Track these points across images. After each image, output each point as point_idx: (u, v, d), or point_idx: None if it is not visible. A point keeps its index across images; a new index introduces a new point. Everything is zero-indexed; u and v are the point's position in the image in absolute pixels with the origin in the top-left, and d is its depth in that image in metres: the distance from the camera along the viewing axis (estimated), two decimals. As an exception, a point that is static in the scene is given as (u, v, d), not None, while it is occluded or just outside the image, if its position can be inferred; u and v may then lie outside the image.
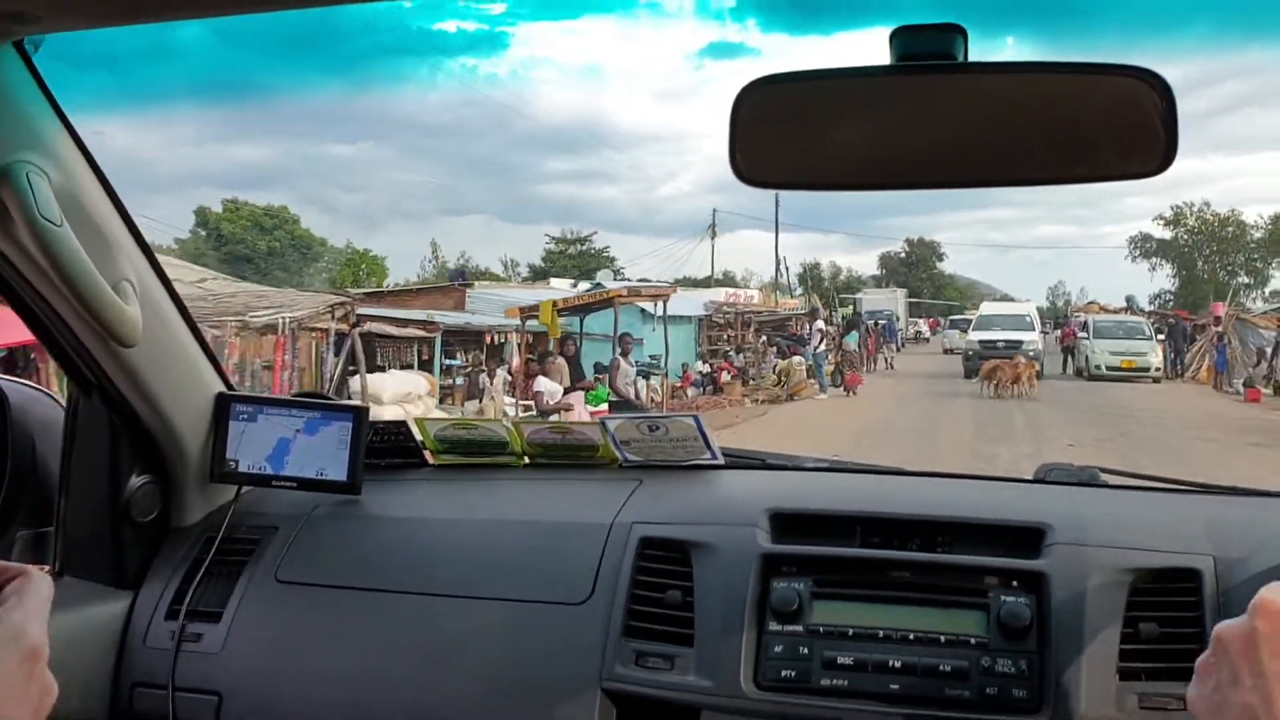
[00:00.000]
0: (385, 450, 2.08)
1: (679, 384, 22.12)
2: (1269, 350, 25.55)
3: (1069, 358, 32.89)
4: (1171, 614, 1.45)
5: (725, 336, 29.05)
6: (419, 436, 2.08)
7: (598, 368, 17.33)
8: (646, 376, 19.57)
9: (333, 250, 55.78)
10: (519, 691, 1.58)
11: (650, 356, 20.97)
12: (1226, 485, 1.87)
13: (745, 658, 1.51)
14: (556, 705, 1.55)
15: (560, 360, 16.13)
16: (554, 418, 11.32)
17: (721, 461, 1.96)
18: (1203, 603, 1.45)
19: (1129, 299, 46.85)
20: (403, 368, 18.25)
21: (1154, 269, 58.87)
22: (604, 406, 14.50)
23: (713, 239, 56.07)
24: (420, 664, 1.64)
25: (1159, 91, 1.07)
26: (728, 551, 1.62)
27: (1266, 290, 54.76)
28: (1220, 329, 27.86)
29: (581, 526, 1.75)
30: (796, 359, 24.39)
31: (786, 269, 53.41)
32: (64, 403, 1.79)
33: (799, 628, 1.52)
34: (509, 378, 18.05)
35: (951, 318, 53.80)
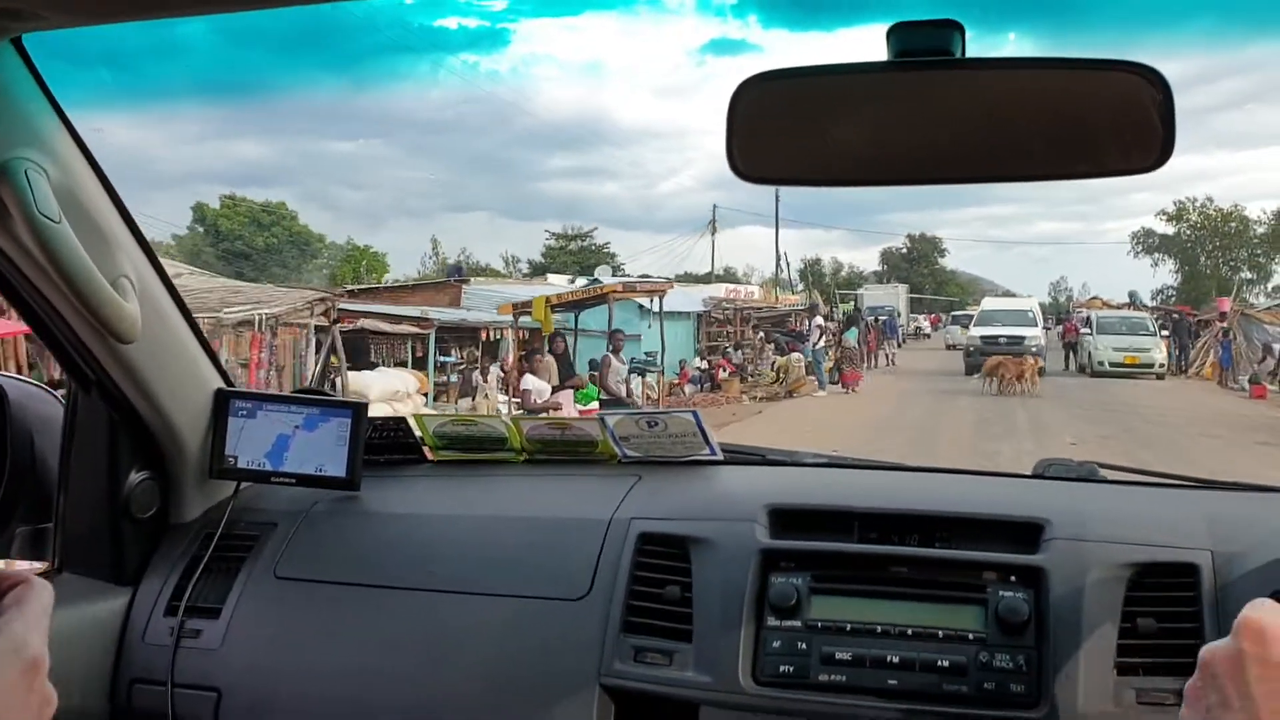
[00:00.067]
0: (384, 446, 2.09)
1: (676, 381, 22.01)
2: (1275, 346, 25.43)
3: (1070, 354, 32.76)
4: (1169, 609, 1.46)
5: (725, 333, 28.97)
6: (418, 433, 2.09)
7: (592, 365, 17.18)
8: (642, 373, 19.48)
9: (333, 247, 55.80)
10: (518, 687, 1.59)
11: (646, 353, 20.85)
12: (1225, 480, 1.88)
13: (744, 653, 1.52)
14: (555, 701, 1.56)
15: (548, 358, 15.89)
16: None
17: (720, 457, 1.97)
18: (1201, 598, 1.46)
19: (1132, 294, 46.72)
20: (397, 365, 18.15)
21: (1156, 265, 58.86)
22: (594, 405, 14.28)
23: (713, 235, 56.02)
24: (419, 660, 1.65)
25: (1157, 86, 1.08)
26: (726, 547, 1.63)
27: (1269, 285, 54.80)
28: (1226, 324, 27.73)
29: (580, 522, 1.75)
30: (795, 355, 24.23)
31: (787, 265, 53.41)
32: (63, 399, 1.80)
33: (797, 623, 1.53)
34: (502, 375, 17.95)
35: (954, 313, 53.76)
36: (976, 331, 30.13)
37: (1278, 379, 23.99)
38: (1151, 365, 28.58)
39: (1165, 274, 59.17)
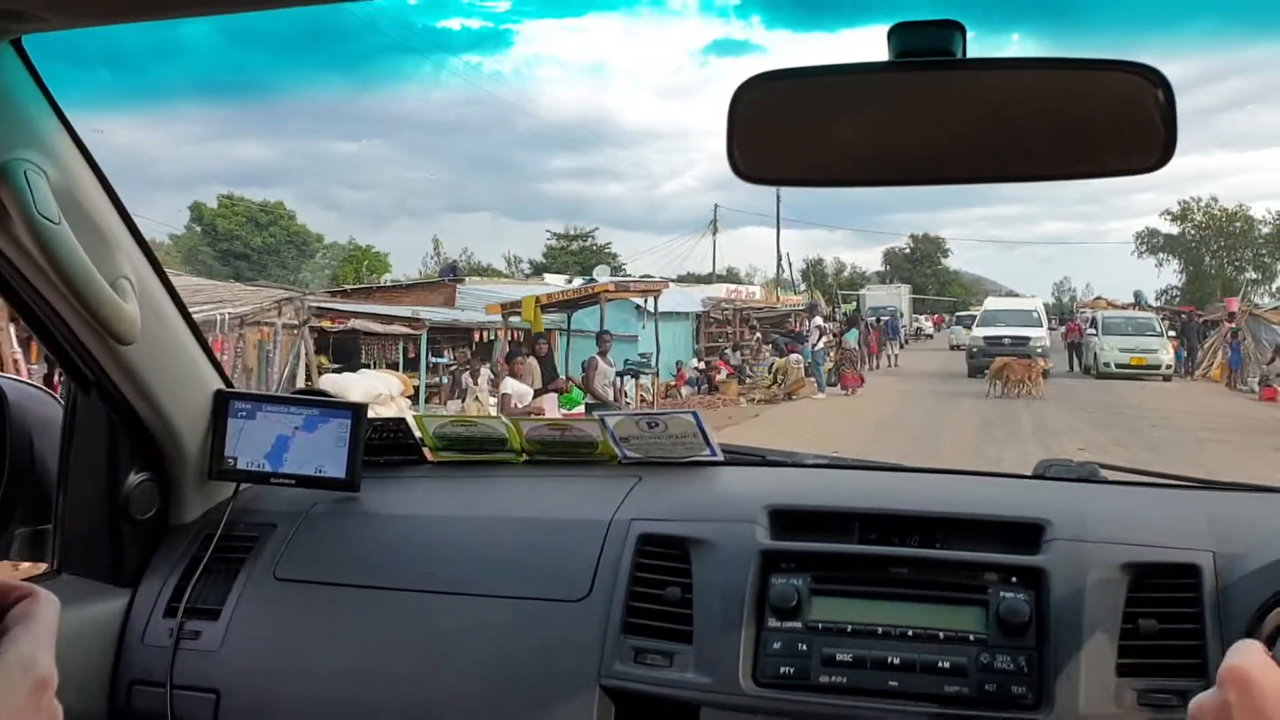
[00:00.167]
0: (384, 447, 2.09)
1: (673, 382, 21.84)
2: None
3: (1074, 354, 32.62)
4: (1171, 610, 1.47)
5: (724, 334, 28.84)
6: (418, 434, 2.10)
7: (584, 367, 16.89)
8: (636, 375, 19.23)
9: (334, 247, 55.84)
10: (517, 689, 1.60)
11: (640, 354, 20.59)
12: (1226, 481, 1.89)
13: (744, 654, 1.53)
14: (555, 703, 1.57)
15: (531, 360, 15.33)
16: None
17: (720, 458, 1.98)
18: (1202, 599, 1.46)
19: (1137, 294, 46.61)
20: (389, 366, 18.06)
21: (1161, 265, 58.78)
22: (579, 409, 13.95)
23: (714, 235, 56.05)
24: (419, 661, 1.65)
25: (1158, 87, 1.08)
26: (727, 548, 1.63)
27: (1274, 286, 54.70)
28: (1234, 325, 27.49)
29: (580, 523, 1.76)
30: (794, 357, 23.99)
31: (790, 265, 53.45)
32: (62, 400, 1.80)
33: (798, 624, 1.54)
34: (492, 377, 17.68)
35: (958, 314, 53.66)
36: (980, 332, 29.87)
37: (1288, 380, 23.67)
38: (1158, 367, 28.25)
39: (1169, 274, 59.16)
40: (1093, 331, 30.90)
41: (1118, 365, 28.23)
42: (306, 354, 15.20)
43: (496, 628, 1.66)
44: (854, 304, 44.67)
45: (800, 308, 32.35)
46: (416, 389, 17.55)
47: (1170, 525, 1.61)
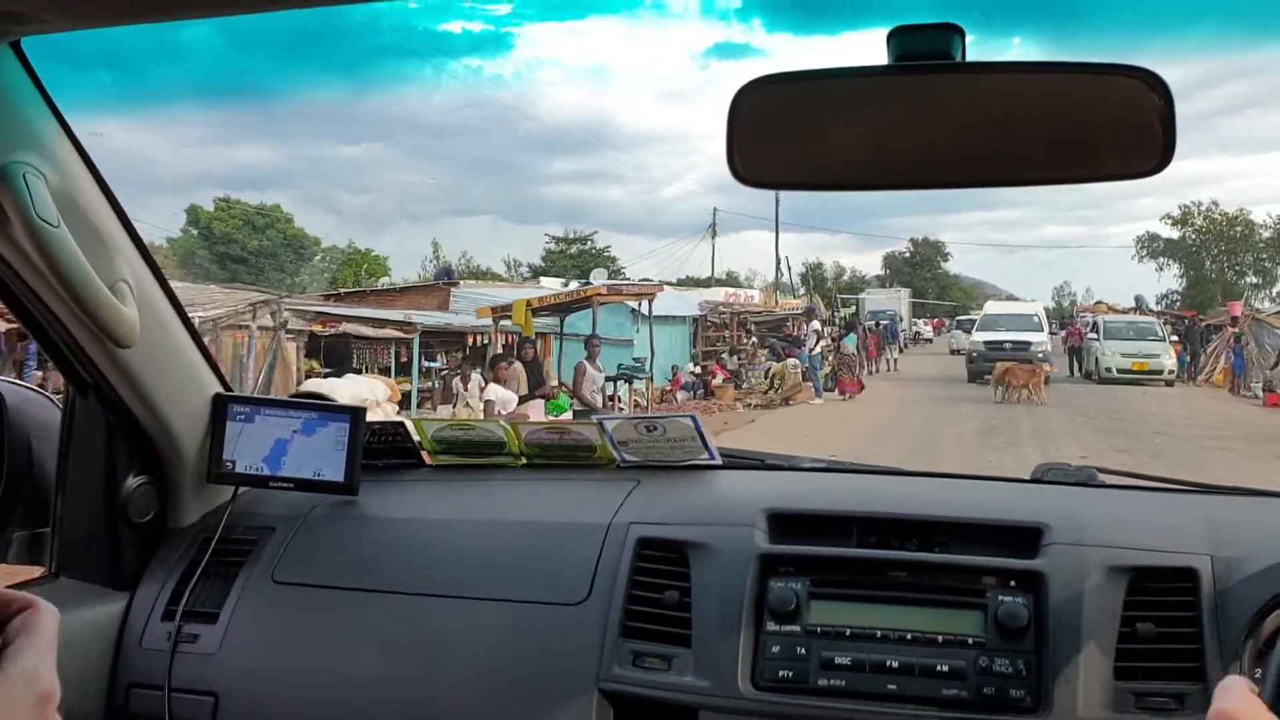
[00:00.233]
0: (383, 451, 2.10)
1: (669, 387, 21.65)
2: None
3: (1074, 359, 32.49)
4: (1169, 614, 1.48)
5: (722, 338, 28.70)
6: (416, 437, 2.11)
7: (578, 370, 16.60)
8: (630, 380, 18.99)
9: (333, 250, 55.84)
10: (516, 692, 1.60)
11: (634, 359, 20.43)
12: (1223, 485, 1.90)
13: (743, 658, 1.53)
14: (554, 706, 1.58)
15: (516, 365, 14.88)
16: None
17: (719, 462, 1.98)
18: (1200, 603, 1.47)
19: (1138, 299, 46.51)
20: (380, 370, 17.94)
21: (1161, 269, 58.79)
22: (566, 416, 13.44)
23: (713, 238, 56.11)
24: (417, 665, 1.66)
25: (1157, 91, 1.09)
26: (725, 552, 1.64)
27: (1275, 290, 54.73)
28: (1238, 329, 27.21)
29: (579, 527, 1.77)
30: (791, 361, 23.70)
31: (789, 269, 53.47)
32: (61, 403, 1.81)
33: (796, 628, 1.55)
34: (483, 382, 17.57)
35: (958, 318, 53.60)
36: (979, 337, 29.53)
37: (1294, 386, 23.37)
38: (1160, 372, 27.88)
39: (1170, 278, 59.18)
40: (1094, 336, 30.50)
41: (1119, 370, 27.89)
42: (284, 358, 15.08)
43: (495, 631, 1.66)
44: (853, 308, 44.60)
45: (798, 312, 32.16)
46: (408, 394, 17.44)
47: (1168, 529, 1.61)
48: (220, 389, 1.91)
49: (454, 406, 16.13)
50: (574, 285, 25.71)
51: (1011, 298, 53.80)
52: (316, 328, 17.33)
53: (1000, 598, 1.52)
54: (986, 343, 28.30)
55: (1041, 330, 30.44)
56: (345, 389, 14.13)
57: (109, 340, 1.51)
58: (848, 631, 1.53)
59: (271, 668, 1.72)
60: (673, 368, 22.84)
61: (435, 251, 64.11)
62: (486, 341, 20.28)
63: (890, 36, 1.11)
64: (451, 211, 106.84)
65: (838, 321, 31.57)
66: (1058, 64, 1.15)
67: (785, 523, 1.70)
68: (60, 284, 1.38)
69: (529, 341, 16.80)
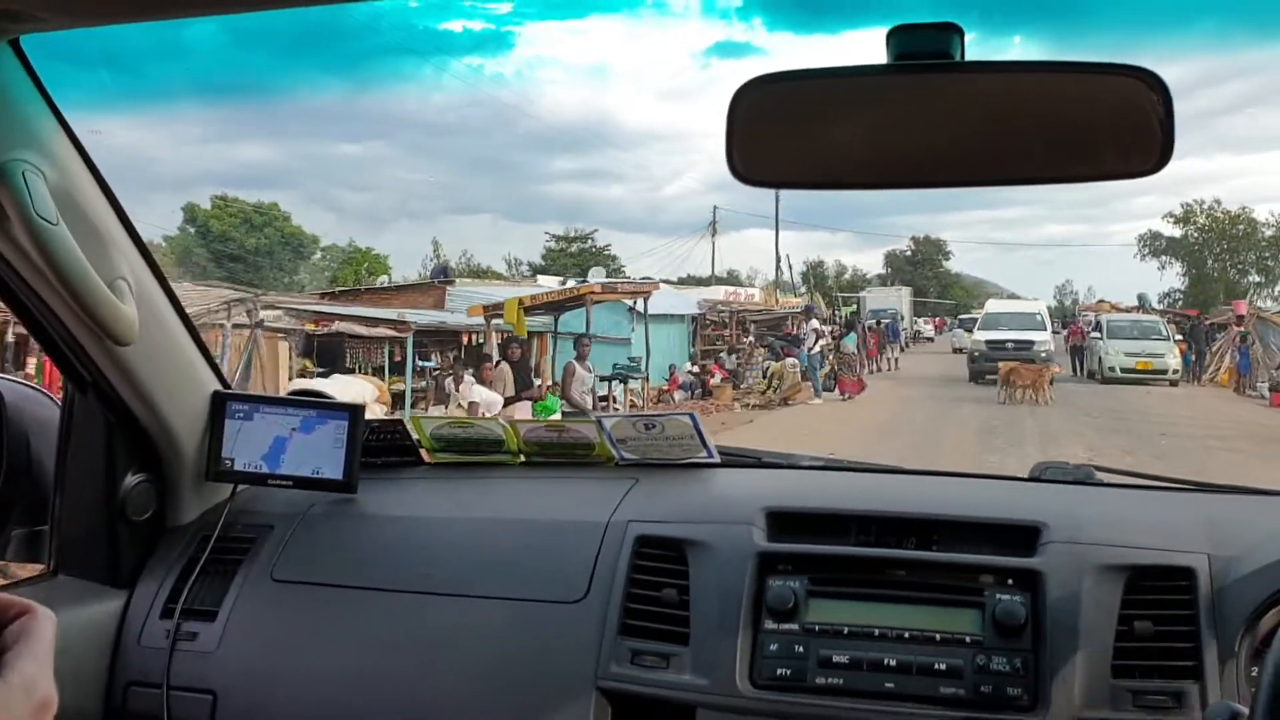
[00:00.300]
0: (381, 449, 2.11)
1: (665, 387, 21.43)
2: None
3: (1076, 359, 32.24)
4: (1166, 612, 1.49)
5: (721, 337, 28.51)
6: (415, 435, 2.12)
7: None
8: (625, 380, 18.83)
9: (334, 249, 55.85)
10: (514, 690, 1.61)
11: (629, 358, 20.23)
12: (1221, 484, 1.91)
13: (741, 656, 1.54)
14: (552, 704, 1.58)
15: (502, 366, 14.41)
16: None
17: (717, 460, 1.99)
18: (1197, 601, 1.48)
19: (1141, 297, 46.41)
20: (374, 370, 17.78)
21: (1163, 267, 58.66)
22: (554, 419, 13.06)
23: (713, 236, 56.05)
24: (416, 663, 1.67)
25: (1156, 90, 1.09)
26: (724, 550, 1.65)
27: (1277, 289, 54.65)
28: (1243, 328, 26.97)
29: (578, 525, 1.78)
30: (790, 361, 23.25)
31: (790, 267, 53.38)
32: (60, 401, 1.81)
33: (795, 626, 1.56)
34: (475, 382, 17.28)
35: (960, 317, 53.53)
36: (981, 336, 29.05)
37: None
38: (1165, 371, 27.39)
39: (1172, 277, 59.08)
40: (1096, 335, 30.16)
41: (1123, 370, 27.48)
42: (260, 356, 15.00)
43: (493, 629, 1.67)
44: (854, 306, 44.53)
45: (797, 310, 31.78)
46: (401, 394, 17.33)
47: (1166, 528, 1.62)
48: (219, 387, 1.92)
49: (446, 407, 15.92)
50: (571, 284, 25.54)
51: (1013, 296, 53.62)
52: (309, 326, 17.25)
53: (998, 596, 1.53)
54: (988, 342, 27.88)
55: (1044, 329, 29.98)
56: (330, 390, 14.06)
57: (108, 338, 1.52)
58: (846, 630, 1.54)
59: (270, 666, 1.73)
60: (670, 367, 22.62)
61: (435, 250, 64.12)
62: (481, 341, 20.00)
63: (889, 36, 1.12)
64: (452, 210, 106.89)
65: (839, 320, 31.39)
66: (1057, 63, 1.16)
67: (784, 521, 1.71)
68: (59, 282, 1.38)
69: (515, 341, 16.42)
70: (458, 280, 28.69)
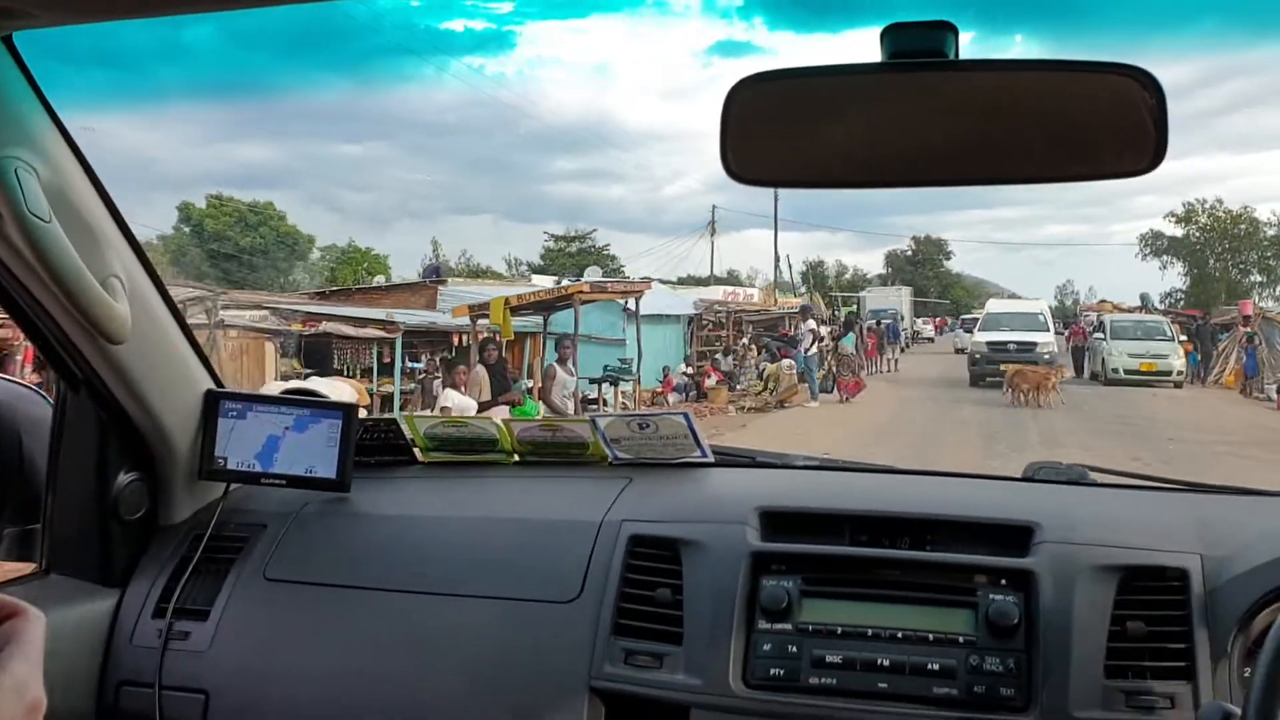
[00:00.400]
0: (375, 448, 2.12)
1: (659, 389, 21.13)
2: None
3: (1078, 359, 31.94)
4: (1159, 612, 1.50)
5: (718, 337, 28.11)
6: (409, 434, 2.12)
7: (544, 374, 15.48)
8: (615, 382, 18.50)
9: (333, 249, 55.79)
10: (508, 690, 1.62)
11: (620, 359, 19.85)
12: (1214, 484, 1.92)
13: (734, 656, 1.55)
14: (545, 704, 1.59)
15: (478, 369, 13.63)
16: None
17: (711, 459, 2.00)
18: (1190, 601, 1.50)
19: (1144, 297, 46.27)
20: (363, 371, 17.61)
21: (1165, 267, 58.59)
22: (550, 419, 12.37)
23: (712, 236, 55.97)
24: (409, 662, 1.67)
25: (1150, 89, 1.10)
26: (717, 549, 1.66)
27: (1279, 289, 54.67)
28: (1249, 329, 26.66)
29: (571, 524, 1.79)
30: (786, 362, 22.88)
31: (790, 266, 53.25)
32: (52, 399, 1.82)
33: (788, 626, 1.57)
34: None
35: (962, 317, 53.47)
36: (982, 337, 28.45)
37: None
38: (1169, 373, 26.89)
39: (1173, 277, 59.04)
40: (1100, 336, 29.78)
41: (1126, 371, 27.00)
42: (219, 355, 14.92)
43: (487, 628, 1.68)
44: (854, 306, 44.45)
45: (795, 310, 31.32)
46: (390, 395, 17.16)
47: (1158, 528, 1.64)
48: (212, 385, 1.93)
49: (432, 409, 15.57)
50: (566, 283, 25.27)
51: (1014, 296, 53.52)
52: (297, 326, 17.12)
53: (991, 596, 1.54)
54: (990, 343, 27.37)
55: (1047, 330, 29.48)
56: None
57: (100, 336, 1.53)
58: (839, 630, 1.55)
59: (262, 665, 1.73)
60: (664, 368, 22.29)
61: (435, 250, 64.10)
62: (472, 341, 19.45)
63: (884, 34, 1.12)
64: (453, 210, 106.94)
65: (838, 320, 31.10)
66: (1051, 62, 1.16)
67: (777, 521, 1.72)
68: (52, 279, 1.39)
69: (492, 342, 15.68)
70: (450, 280, 28.32)
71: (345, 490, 1.93)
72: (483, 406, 12.62)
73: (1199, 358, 29.43)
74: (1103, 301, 42.60)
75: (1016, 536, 1.63)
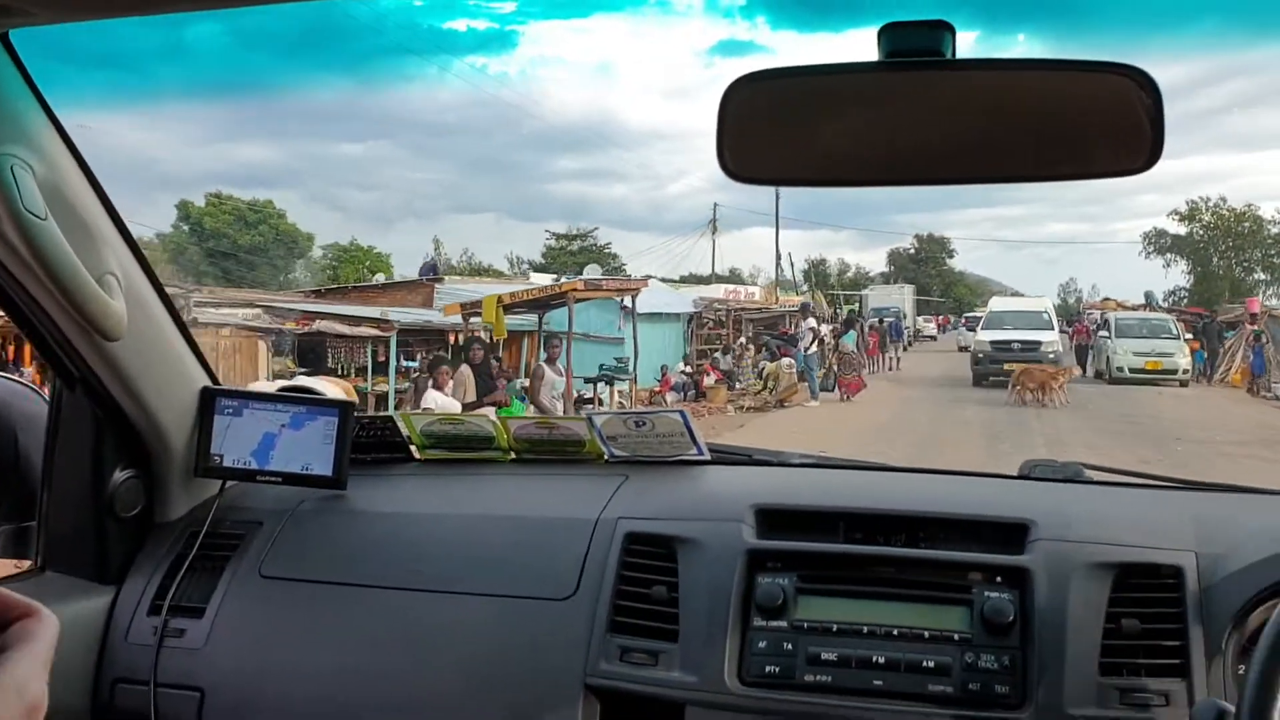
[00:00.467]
0: (371, 445, 2.13)
1: (657, 389, 20.94)
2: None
3: (1082, 358, 31.65)
4: (1153, 610, 1.51)
5: (718, 336, 27.96)
6: (405, 431, 2.13)
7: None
8: (610, 382, 18.34)
9: (335, 248, 55.78)
10: (503, 687, 1.63)
11: (616, 359, 19.73)
12: (1208, 481, 1.93)
13: (729, 653, 1.57)
14: (541, 701, 1.60)
15: (463, 369, 13.36)
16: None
17: (707, 457, 2.01)
18: (1184, 599, 1.51)
19: (1148, 295, 46.00)
20: (357, 370, 17.55)
21: (1169, 265, 58.49)
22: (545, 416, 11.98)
23: (713, 234, 55.96)
24: (405, 660, 1.68)
25: (1146, 89, 1.11)
26: (713, 547, 1.67)
27: (1282, 287, 54.54)
28: (1256, 326, 26.41)
29: (567, 522, 1.80)
30: (786, 361, 22.56)
31: (792, 264, 53.24)
32: (48, 396, 1.82)
33: (783, 623, 1.58)
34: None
35: (965, 315, 53.43)
36: (985, 336, 27.88)
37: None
38: (1175, 371, 26.51)
39: (1176, 275, 58.94)
40: (1105, 334, 29.37)
41: (1132, 370, 26.56)
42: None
43: (483, 626, 1.69)
44: (856, 305, 44.38)
45: (796, 309, 31.02)
46: (384, 395, 17.05)
47: (1153, 526, 1.65)
48: (208, 382, 1.94)
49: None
50: (565, 281, 25.06)
51: (1017, 294, 53.38)
52: (291, 325, 17.00)
53: (986, 593, 1.55)
54: (993, 343, 26.90)
55: (1051, 328, 29.07)
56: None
57: (96, 333, 1.54)
58: (834, 627, 1.56)
59: (258, 663, 1.74)
60: (662, 368, 22.13)
61: (437, 248, 64.10)
62: (468, 340, 19.28)
63: (880, 33, 1.13)
64: (456, 209, 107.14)
65: (839, 319, 30.93)
66: (1047, 61, 1.17)
67: (773, 518, 1.73)
68: (47, 276, 1.40)
69: (477, 342, 15.53)
70: (447, 278, 28.11)
71: (341, 488, 1.94)
72: (467, 408, 12.32)
73: (1205, 356, 29.14)
74: (1106, 299, 42.45)
75: (1012, 534, 1.64)
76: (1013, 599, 1.54)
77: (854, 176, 1.27)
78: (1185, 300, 49.57)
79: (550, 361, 14.51)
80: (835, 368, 23.12)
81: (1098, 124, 1.15)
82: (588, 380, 17.92)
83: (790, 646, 1.56)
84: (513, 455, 2.12)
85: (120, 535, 1.86)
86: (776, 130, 1.23)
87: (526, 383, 16.18)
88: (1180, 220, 57.10)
